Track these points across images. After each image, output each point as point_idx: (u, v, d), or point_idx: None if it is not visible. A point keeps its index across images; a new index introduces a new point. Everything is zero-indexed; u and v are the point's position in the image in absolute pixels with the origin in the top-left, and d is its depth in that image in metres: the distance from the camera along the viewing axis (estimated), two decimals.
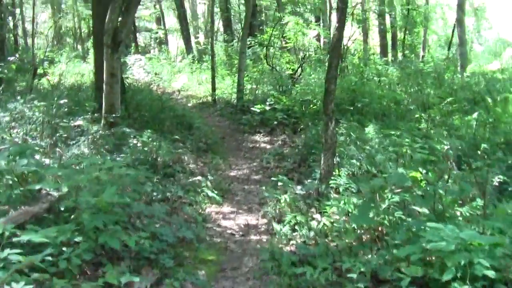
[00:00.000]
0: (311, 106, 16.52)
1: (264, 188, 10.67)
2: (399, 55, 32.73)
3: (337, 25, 8.86)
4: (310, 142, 13.41)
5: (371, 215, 6.92)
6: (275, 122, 16.32)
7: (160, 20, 42.60)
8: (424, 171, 7.71)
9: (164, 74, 28.96)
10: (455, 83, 19.65)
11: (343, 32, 9.21)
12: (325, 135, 9.21)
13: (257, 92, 20.50)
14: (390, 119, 14.61)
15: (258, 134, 16.22)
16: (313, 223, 8.17)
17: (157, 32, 42.66)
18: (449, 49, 30.07)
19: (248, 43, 22.78)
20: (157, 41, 43.27)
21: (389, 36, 33.89)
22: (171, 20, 47.10)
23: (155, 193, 9.46)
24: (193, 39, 39.73)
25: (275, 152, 14.01)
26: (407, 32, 32.86)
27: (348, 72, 23.68)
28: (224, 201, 10.39)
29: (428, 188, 6.97)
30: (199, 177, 10.88)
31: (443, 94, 16.99)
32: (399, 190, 7.24)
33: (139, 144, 11.46)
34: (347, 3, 9.35)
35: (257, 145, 15.17)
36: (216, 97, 21.54)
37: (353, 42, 26.63)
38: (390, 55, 33.13)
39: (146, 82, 24.17)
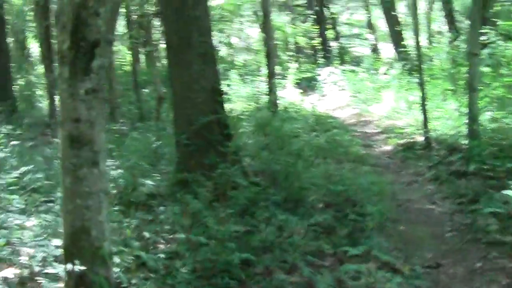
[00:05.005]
0: None
1: None
2: None
3: None
4: None
5: None
6: None
7: (370, 24, 32.92)
8: None
9: (364, 92, 19.35)
10: None
11: None
12: None
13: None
14: None
15: None
16: None
17: (366, 38, 33.20)
18: None
19: (484, 38, 12.28)
20: (371, 47, 33.77)
21: None
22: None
23: None
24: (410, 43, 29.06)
25: None
26: None
27: None
28: None
29: None
30: None
31: None
32: None
33: None
34: None
35: None
36: (430, 136, 11.58)
37: None
38: None
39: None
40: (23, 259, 4.48)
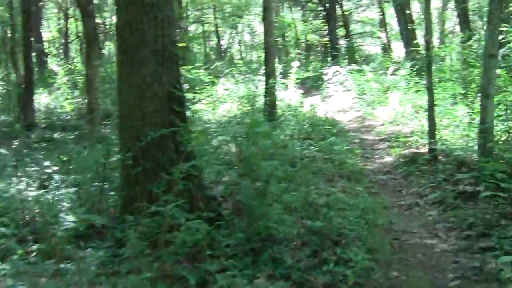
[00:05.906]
0: None
1: None
2: None
3: None
4: None
5: None
6: None
7: (383, 22, 31.15)
8: None
9: (369, 94, 17.72)
10: None
11: None
12: None
13: None
14: None
15: None
16: None
17: (379, 37, 31.43)
18: None
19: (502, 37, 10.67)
20: (382, 46, 32.01)
21: None
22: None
23: None
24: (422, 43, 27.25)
25: None
26: None
27: None
28: None
29: None
30: None
31: None
32: None
33: None
34: None
35: None
36: (437, 147, 10.01)
37: None
38: None
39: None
40: None
